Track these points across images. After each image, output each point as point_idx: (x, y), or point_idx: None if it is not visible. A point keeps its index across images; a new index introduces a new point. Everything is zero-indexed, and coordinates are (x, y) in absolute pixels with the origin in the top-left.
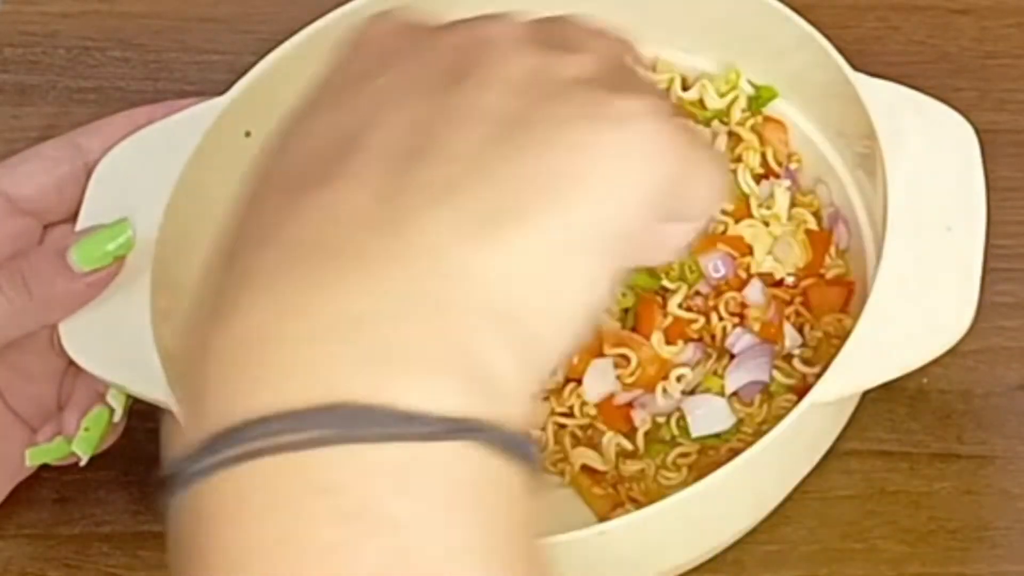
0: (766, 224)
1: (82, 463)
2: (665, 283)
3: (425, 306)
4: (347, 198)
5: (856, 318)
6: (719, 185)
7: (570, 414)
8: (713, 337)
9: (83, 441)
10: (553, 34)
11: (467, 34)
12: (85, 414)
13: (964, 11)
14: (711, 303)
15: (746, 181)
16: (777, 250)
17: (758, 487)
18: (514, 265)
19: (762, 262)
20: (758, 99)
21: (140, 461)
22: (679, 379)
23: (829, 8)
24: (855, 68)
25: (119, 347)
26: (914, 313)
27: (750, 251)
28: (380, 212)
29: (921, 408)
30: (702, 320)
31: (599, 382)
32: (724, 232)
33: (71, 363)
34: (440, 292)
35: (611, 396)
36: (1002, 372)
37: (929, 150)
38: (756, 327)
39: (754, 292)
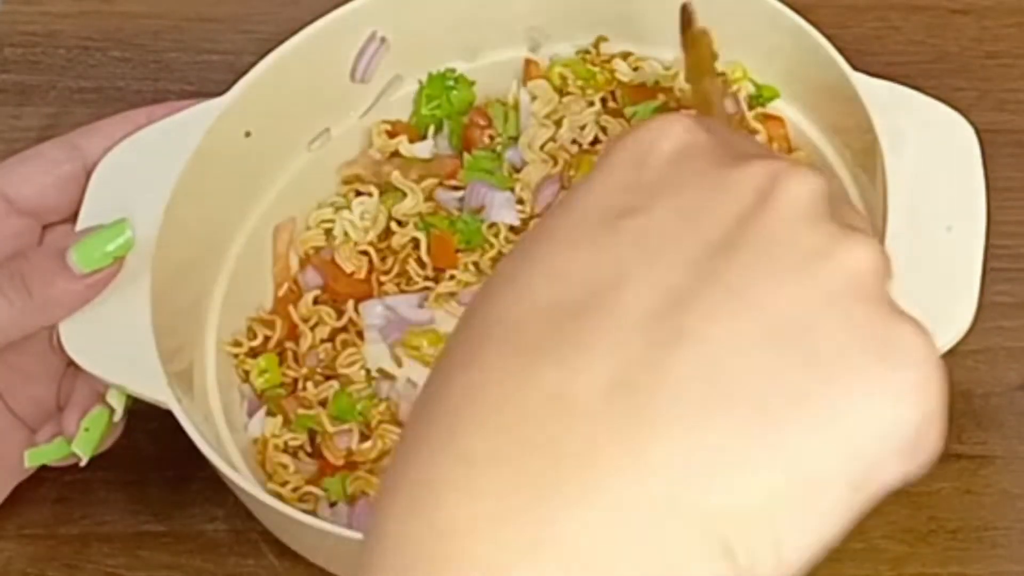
0: None
1: (82, 463)
2: None
3: (647, 542)
4: (585, 382)
5: None
6: (943, 433)
7: None
8: None
9: (83, 441)
10: (833, 198)
11: (758, 181)
12: (85, 414)
13: (964, 11)
14: None
15: None
16: None
17: None
18: (748, 506)
19: None
20: (759, 98)
21: (140, 461)
22: None
23: (829, 8)
24: (855, 68)
25: (119, 347)
26: (914, 313)
27: None
28: (620, 410)
29: None
30: None
31: None
32: None
33: (70, 363)
34: (667, 530)
35: None
36: (1002, 372)
37: (929, 150)
38: None
39: None
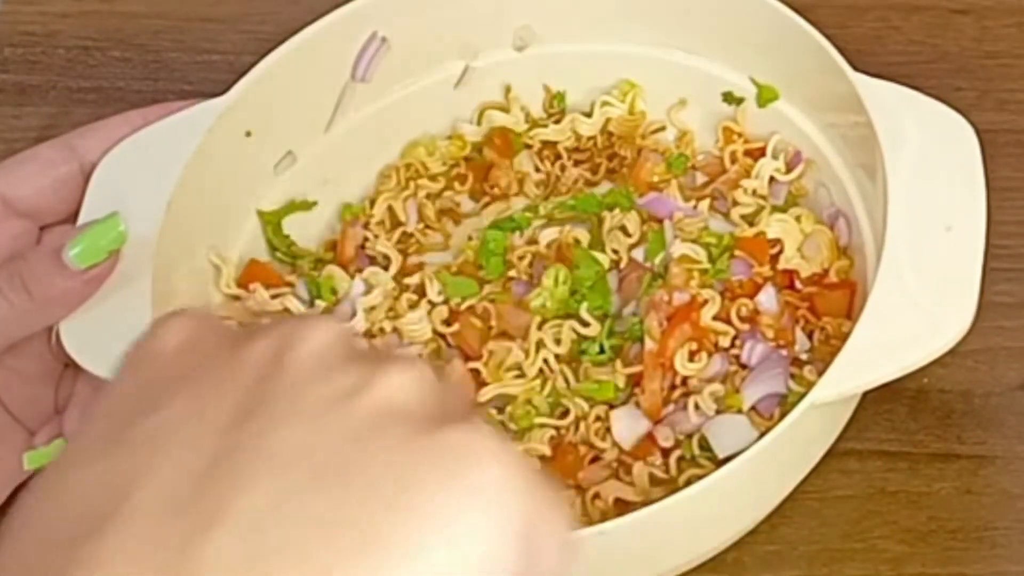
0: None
1: None
2: (700, 293)
3: None
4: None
5: (856, 319)
6: (568, 535)
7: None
8: (730, 347)
9: None
10: (369, 351)
11: (270, 343)
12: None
13: (964, 11)
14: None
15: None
16: (806, 248)
17: (758, 487)
18: None
19: (791, 258)
20: (759, 99)
21: None
22: (712, 395)
23: (829, 8)
24: (855, 68)
25: (119, 347)
26: (914, 313)
27: (773, 253)
28: None
29: (921, 408)
30: (731, 332)
31: (630, 427)
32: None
33: (68, 365)
34: None
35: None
36: (1002, 372)
37: (929, 150)
38: (770, 333)
39: (767, 299)
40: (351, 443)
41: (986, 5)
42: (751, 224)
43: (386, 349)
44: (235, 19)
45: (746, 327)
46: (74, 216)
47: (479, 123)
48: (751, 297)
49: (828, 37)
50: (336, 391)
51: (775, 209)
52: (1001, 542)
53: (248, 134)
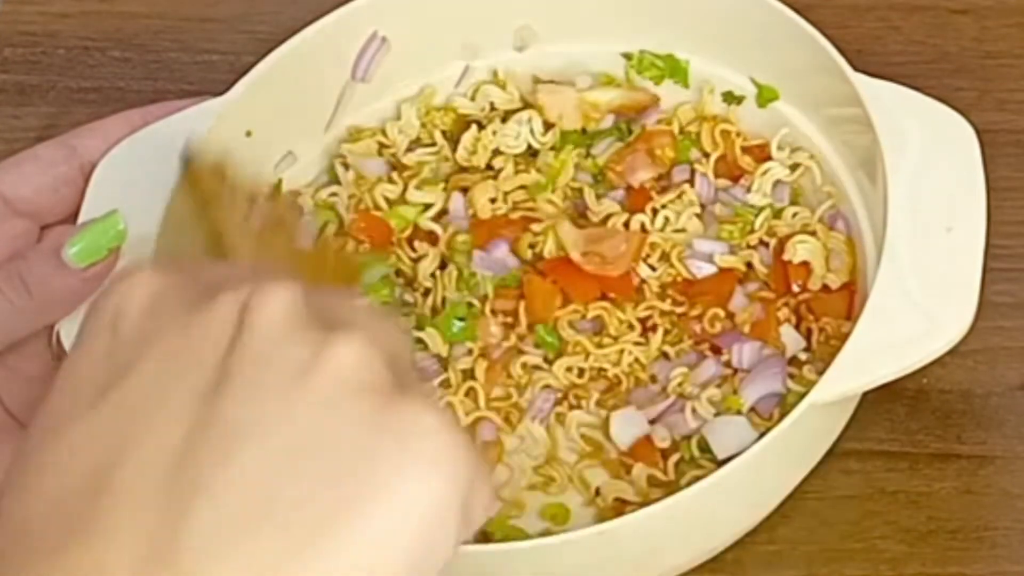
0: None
1: None
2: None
3: None
4: (112, 559)
5: (856, 319)
6: (493, 494)
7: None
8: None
9: None
10: (324, 310)
11: (228, 310)
12: None
13: (964, 11)
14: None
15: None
16: (832, 262)
17: (758, 487)
18: None
19: (822, 277)
20: (759, 99)
21: None
22: (709, 399)
23: (829, 8)
24: (855, 68)
25: None
26: (914, 313)
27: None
28: (156, 570)
29: (921, 408)
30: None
31: (627, 429)
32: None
33: None
34: None
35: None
36: (1002, 372)
37: (929, 150)
38: (746, 328)
39: (736, 297)
40: (310, 418)
41: (986, 5)
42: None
43: (342, 304)
44: (235, 19)
45: (716, 329)
46: (74, 216)
47: (473, 99)
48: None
49: (828, 37)
50: (293, 365)
51: (797, 232)
52: (1001, 542)
53: (248, 134)
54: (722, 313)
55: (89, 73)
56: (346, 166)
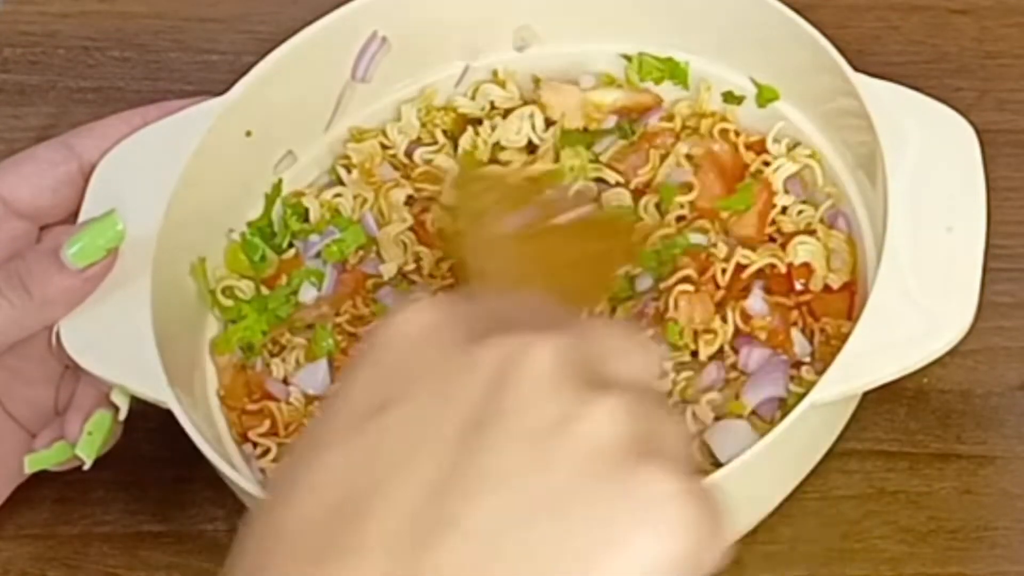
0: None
1: (85, 467)
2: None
3: None
4: None
5: (857, 319)
6: (724, 551)
7: None
8: (719, 352)
9: (86, 445)
10: (590, 357)
11: (497, 354)
12: (87, 418)
13: (964, 11)
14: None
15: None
16: (834, 262)
17: (758, 487)
18: None
19: (824, 277)
20: (759, 99)
21: (140, 461)
22: (710, 403)
23: (829, 8)
24: (855, 68)
25: (119, 347)
26: (914, 313)
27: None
28: None
29: (921, 408)
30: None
31: None
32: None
33: (68, 367)
34: None
35: None
36: (1002, 372)
37: (929, 150)
38: (763, 336)
39: (756, 301)
40: (562, 474)
41: (986, 5)
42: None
43: (608, 359)
44: (235, 19)
45: (730, 328)
46: (74, 216)
47: (473, 98)
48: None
49: (828, 37)
50: (551, 421)
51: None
52: (1001, 542)
53: (248, 134)
54: (742, 307)
55: (89, 73)
56: (348, 168)
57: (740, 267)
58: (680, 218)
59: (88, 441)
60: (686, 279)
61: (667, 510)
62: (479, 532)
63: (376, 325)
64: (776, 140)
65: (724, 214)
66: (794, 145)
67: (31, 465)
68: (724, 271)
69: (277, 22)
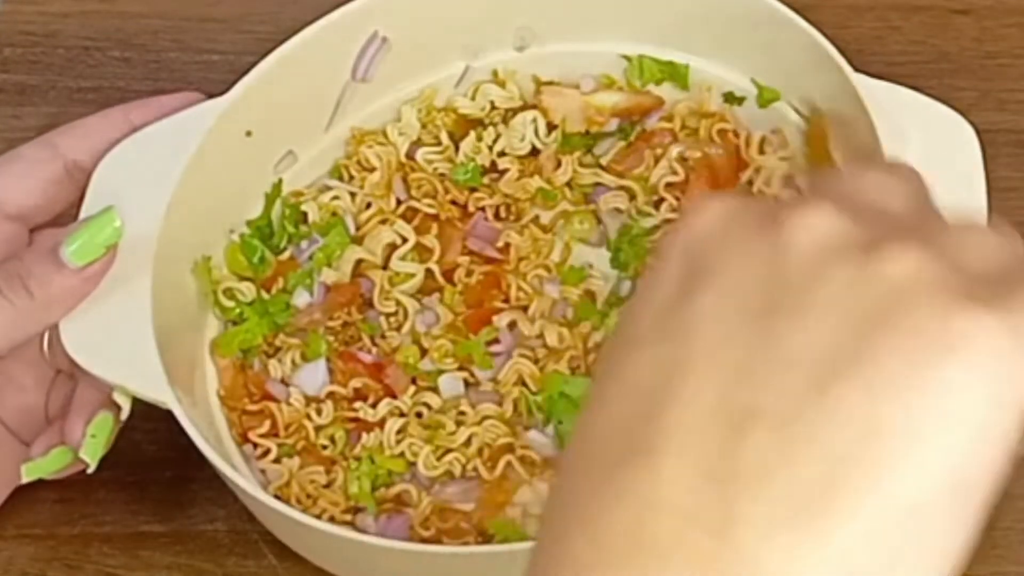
0: None
1: (90, 470)
2: None
3: None
4: (668, 479)
5: None
6: None
7: None
8: None
9: (90, 448)
10: (860, 210)
11: (794, 234)
12: (89, 420)
13: (964, 11)
14: None
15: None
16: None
17: None
18: (844, 553)
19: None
20: (760, 99)
21: (140, 461)
22: None
23: (829, 8)
24: (855, 68)
25: (119, 347)
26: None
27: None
28: (705, 499)
29: None
30: None
31: None
32: None
33: (59, 372)
34: None
35: None
36: None
37: (929, 150)
38: None
39: None
40: (861, 336)
41: (986, 5)
42: None
43: (887, 213)
44: (235, 19)
45: None
46: (62, 216)
47: (473, 98)
48: None
49: (828, 37)
50: (852, 276)
51: None
52: (1001, 542)
53: (248, 134)
54: None
55: (89, 73)
56: (349, 169)
57: None
58: (667, 221)
59: (91, 444)
60: None
61: (989, 355)
62: (784, 415)
63: (665, 233)
64: (774, 133)
65: None
66: (794, 145)
67: (28, 473)
68: None
69: (277, 22)
